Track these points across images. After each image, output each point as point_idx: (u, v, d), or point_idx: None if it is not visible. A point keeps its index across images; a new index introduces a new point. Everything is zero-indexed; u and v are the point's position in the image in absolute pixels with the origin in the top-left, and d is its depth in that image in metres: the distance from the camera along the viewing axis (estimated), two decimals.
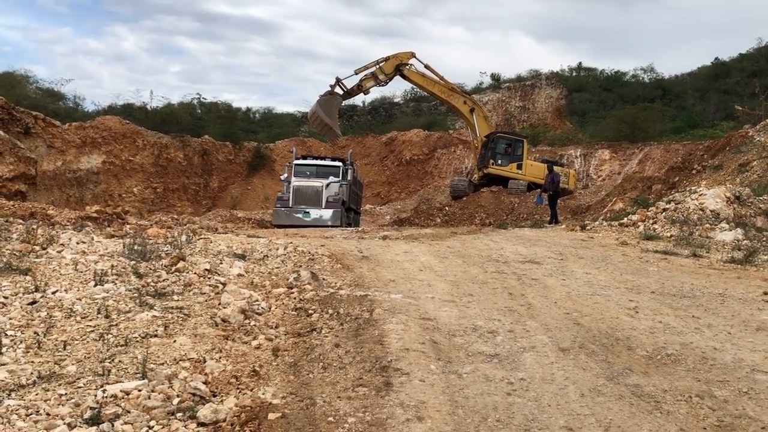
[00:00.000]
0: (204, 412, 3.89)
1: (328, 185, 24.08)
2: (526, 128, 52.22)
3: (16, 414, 3.86)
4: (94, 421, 3.78)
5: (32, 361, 4.78)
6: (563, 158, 39.71)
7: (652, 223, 15.08)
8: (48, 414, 3.90)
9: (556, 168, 25.57)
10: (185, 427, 3.75)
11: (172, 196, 46.09)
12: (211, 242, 10.20)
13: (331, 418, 3.91)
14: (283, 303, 6.83)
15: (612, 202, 21.79)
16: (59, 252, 8.57)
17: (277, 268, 8.66)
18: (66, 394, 4.22)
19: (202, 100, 60.06)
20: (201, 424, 3.79)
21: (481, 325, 6.03)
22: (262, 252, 9.52)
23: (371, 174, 49.11)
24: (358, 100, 55.06)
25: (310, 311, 6.44)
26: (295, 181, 24.17)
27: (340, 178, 25.08)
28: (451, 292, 7.52)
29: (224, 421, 3.79)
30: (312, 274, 7.83)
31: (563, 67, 79.99)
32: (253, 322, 6.03)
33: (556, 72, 74.92)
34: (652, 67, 78.61)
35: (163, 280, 7.37)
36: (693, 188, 17.85)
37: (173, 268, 7.85)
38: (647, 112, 49.77)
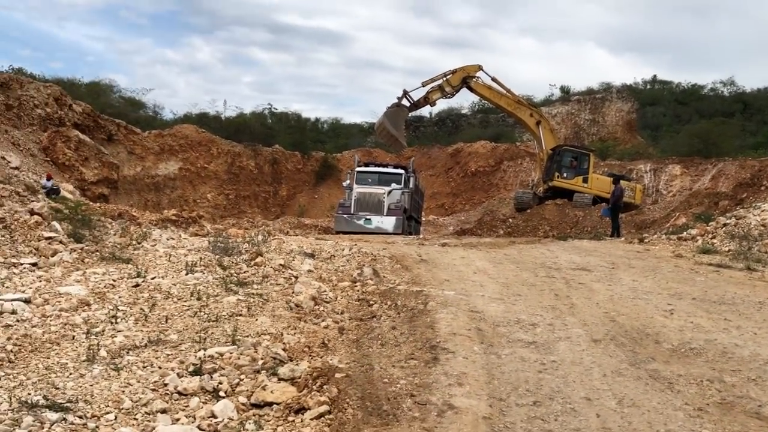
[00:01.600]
0: (283, 370, 4.77)
1: (389, 192, 24.03)
2: (595, 142, 51.63)
3: (135, 366, 4.84)
4: (197, 372, 4.71)
5: (141, 330, 5.78)
6: (632, 173, 39.32)
7: (711, 238, 15.23)
8: (160, 367, 4.86)
9: (622, 182, 25.68)
10: (269, 380, 4.63)
11: (243, 202, 48.01)
12: (284, 242, 11.23)
13: (386, 380, 4.72)
14: (347, 294, 7.72)
15: (675, 217, 21.81)
16: (153, 246, 9.74)
17: (343, 266, 9.58)
18: (172, 354, 5.19)
19: (273, 110, 62.09)
20: (281, 379, 4.66)
21: (524, 318, 6.73)
22: (329, 252, 10.46)
23: (436, 185, 49.69)
24: (425, 111, 55.80)
25: (371, 302, 7.29)
26: (357, 188, 24.16)
27: (402, 185, 24.93)
28: (501, 291, 8.23)
29: (299, 377, 4.65)
30: (374, 271, 8.70)
31: (637, 80, 78.35)
32: (321, 308, 6.94)
33: (628, 85, 73.60)
34: (733, 80, 75.89)
35: (244, 272, 8.37)
36: (758, 204, 17.82)
37: (252, 262, 8.85)
38: (722, 127, 48.43)
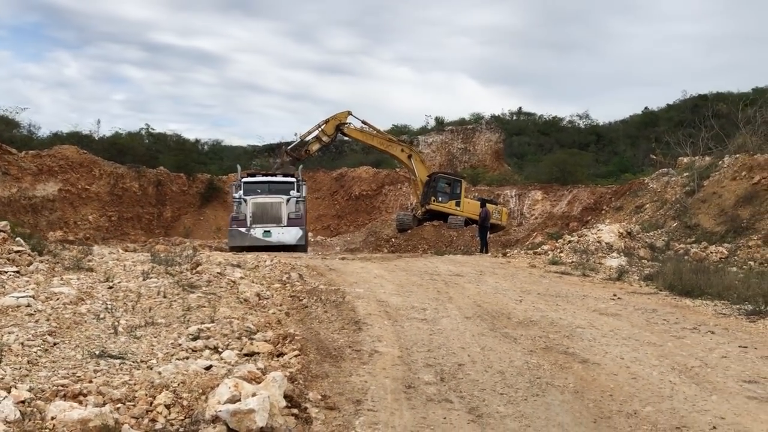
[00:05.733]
0: (257, 336, 6.84)
1: (288, 201, 22.31)
2: (466, 169, 55.84)
3: (149, 336, 6.71)
4: (196, 338, 6.67)
5: (134, 317, 7.59)
6: (500, 197, 43.47)
7: (559, 252, 18.58)
8: (166, 337, 6.76)
9: (490, 206, 29.24)
10: (248, 341, 6.68)
11: (126, 224, 47.74)
12: (210, 256, 13.05)
13: (330, 340, 6.93)
14: (281, 293, 9.81)
15: (533, 236, 25.41)
16: (101, 259, 11.32)
17: (268, 273, 11.61)
18: (168, 329, 7.08)
19: (150, 130, 62.08)
20: (257, 341, 6.72)
21: (416, 305, 9.16)
22: (253, 263, 12.45)
23: (322, 207, 51.86)
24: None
25: (301, 298, 9.44)
26: (253, 199, 22.06)
27: (298, 194, 23.23)
28: (397, 289, 10.64)
29: (271, 339, 6.74)
30: (299, 275, 10.83)
31: (504, 111, 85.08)
32: (265, 302, 8.99)
33: (497, 116, 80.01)
34: (587, 114, 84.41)
35: (190, 278, 10.20)
36: (597, 225, 21.58)
37: (194, 270, 10.69)
38: (576, 157, 54.30)
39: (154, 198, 49.73)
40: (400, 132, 72.45)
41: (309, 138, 30.16)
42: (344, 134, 31.12)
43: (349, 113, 31.25)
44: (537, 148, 73.26)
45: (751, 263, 15.46)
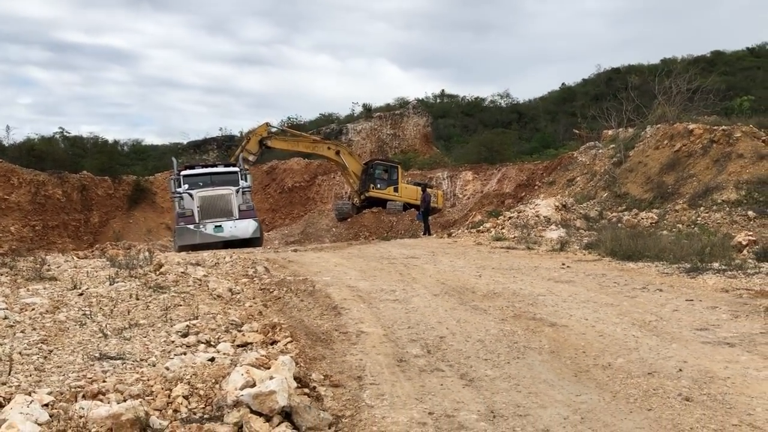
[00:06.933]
0: (245, 328, 7.07)
1: (237, 191, 21.26)
2: (397, 154, 56.61)
3: (139, 337, 6.84)
4: (185, 334, 6.85)
5: (115, 321, 7.66)
6: (432, 180, 44.36)
7: (501, 229, 19.38)
8: (155, 336, 6.91)
9: (427, 189, 29.92)
10: (238, 333, 6.91)
11: (52, 233, 46.19)
12: (168, 257, 13.04)
13: (315, 325, 7.25)
14: (250, 287, 9.99)
15: (473, 216, 26.24)
16: (59, 267, 11.18)
17: (230, 270, 11.73)
18: (154, 329, 7.22)
19: (65, 134, 60.28)
20: (247, 332, 6.96)
21: (385, 288, 9.56)
22: (212, 261, 12.53)
23: (255, 202, 51.34)
24: (236, 129, 57.34)
25: (271, 290, 9.67)
26: (199, 192, 20.72)
27: (246, 183, 22.18)
28: (361, 275, 11.02)
29: (258, 330, 6.99)
30: (265, 268, 11.03)
31: (428, 94, 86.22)
32: (238, 296, 9.18)
33: (422, 100, 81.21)
34: (508, 93, 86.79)
35: (156, 279, 10.24)
36: (533, 200, 22.52)
37: (158, 272, 10.72)
38: (502, 136, 55.91)
39: (79, 204, 48.32)
40: (327, 121, 72.52)
41: (238, 159, 29.87)
42: (269, 147, 30.88)
43: (268, 124, 31.21)
44: (462, 129, 74.87)
45: (679, 226, 16.63)
